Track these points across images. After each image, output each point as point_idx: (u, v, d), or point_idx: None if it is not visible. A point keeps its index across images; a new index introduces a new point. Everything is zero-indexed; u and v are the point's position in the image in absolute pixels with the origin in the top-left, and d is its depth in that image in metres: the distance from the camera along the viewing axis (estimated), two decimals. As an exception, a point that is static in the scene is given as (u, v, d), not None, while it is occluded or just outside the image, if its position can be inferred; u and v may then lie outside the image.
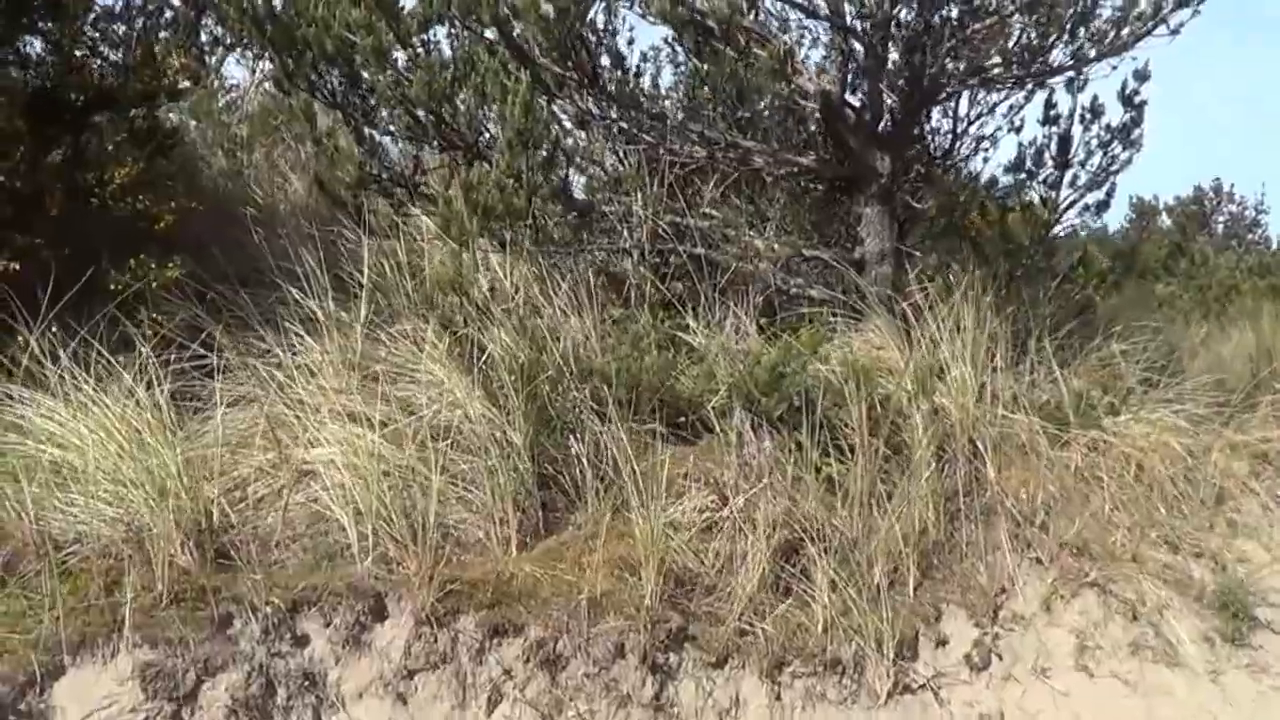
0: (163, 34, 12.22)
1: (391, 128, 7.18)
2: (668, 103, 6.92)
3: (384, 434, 5.85)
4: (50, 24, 7.01)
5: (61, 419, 5.52)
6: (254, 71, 11.56)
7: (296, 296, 6.80)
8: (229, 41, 11.69)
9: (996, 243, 8.64)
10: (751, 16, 6.91)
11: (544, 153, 6.35)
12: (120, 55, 7.85)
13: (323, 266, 6.97)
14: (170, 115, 8.39)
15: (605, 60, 7.53)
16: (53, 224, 6.43)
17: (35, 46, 7.04)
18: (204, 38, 11.93)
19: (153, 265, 6.48)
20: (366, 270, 6.94)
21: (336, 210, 7.86)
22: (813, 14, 7.36)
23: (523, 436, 5.86)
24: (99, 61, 7.30)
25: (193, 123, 9.91)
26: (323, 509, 5.63)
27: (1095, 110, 8.61)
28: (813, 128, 8.13)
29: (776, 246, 7.35)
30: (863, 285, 7.55)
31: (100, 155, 6.85)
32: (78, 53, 7.06)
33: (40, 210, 6.38)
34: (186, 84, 7.28)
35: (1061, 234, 9.26)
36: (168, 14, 12.13)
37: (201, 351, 6.26)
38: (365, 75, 6.97)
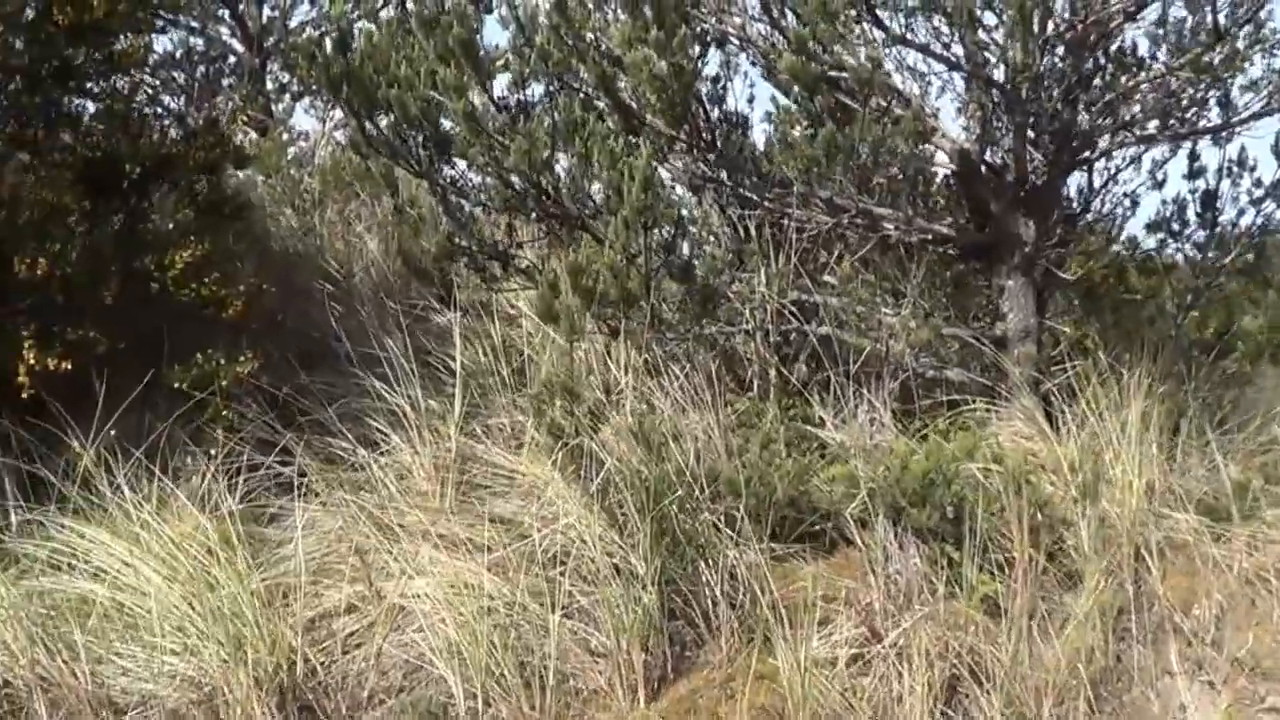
0: (225, 81, 11.69)
1: (484, 197, 6.40)
2: (786, 167, 6.05)
3: (489, 561, 5.09)
4: (103, 83, 6.32)
5: (117, 552, 4.79)
6: (324, 121, 10.89)
7: (380, 389, 6.07)
8: (297, 89, 11.02)
9: (1140, 311, 7.79)
10: (892, 73, 6.12)
11: (665, 231, 5.58)
12: (180, 107, 7.18)
13: (408, 350, 6.25)
14: (235, 175, 7.65)
15: (716, 119, 6.73)
16: (108, 314, 5.71)
17: (88, 109, 6.35)
18: (270, 85, 11.29)
19: (220, 360, 5.75)
20: (459, 355, 6.20)
21: (420, 283, 7.15)
22: (953, 66, 6.53)
23: (646, 563, 5.06)
24: (158, 123, 6.59)
25: (259, 178, 9.22)
26: (420, 657, 4.84)
27: (1243, 163, 7.73)
28: (947, 192, 7.31)
29: (914, 325, 6.51)
30: (1005, 365, 6.71)
31: (160, 234, 6.12)
32: (135, 113, 6.34)
33: (94, 299, 5.67)
34: (253, 148, 6.52)
35: (1211, 300, 8.36)
36: (230, 59, 11.53)
37: (273, 459, 5.56)
38: (454, 140, 6.19)
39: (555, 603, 4.90)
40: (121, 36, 6.17)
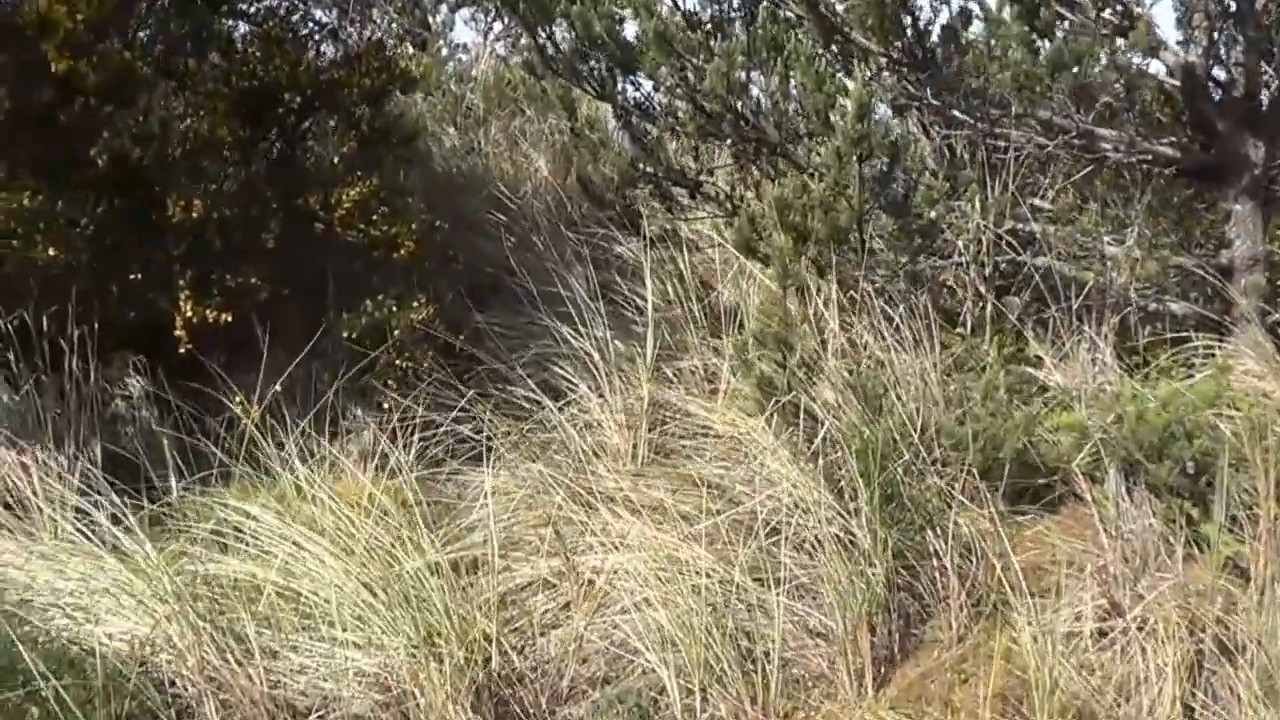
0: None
1: (672, 121, 5.80)
2: (1002, 85, 5.33)
3: (695, 532, 4.55)
4: (256, 3, 5.82)
5: (287, 533, 4.32)
6: (485, 33, 10.32)
7: (563, 332, 5.56)
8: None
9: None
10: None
11: (881, 163, 4.93)
12: (334, 22, 6.67)
13: (592, 286, 5.72)
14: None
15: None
16: (268, 258, 5.24)
17: (239, 31, 5.85)
18: (427, -2, 10.74)
19: (392, 306, 5.25)
20: (650, 294, 5.65)
21: (598, 210, 6.59)
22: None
23: (873, 534, 4.47)
24: (315, 46, 6.07)
25: (419, 96, 8.70)
26: (624, 644, 4.32)
27: None
28: (1169, 110, 6.52)
29: (1139, 255, 5.79)
30: (1231, 296, 5.95)
31: (322, 169, 5.61)
32: (291, 35, 5.83)
33: (254, 241, 5.20)
34: (418, 69, 5.97)
35: None
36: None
37: (451, 415, 5.10)
38: (640, 60, 5.59)
39: (776, 579, 4.34)
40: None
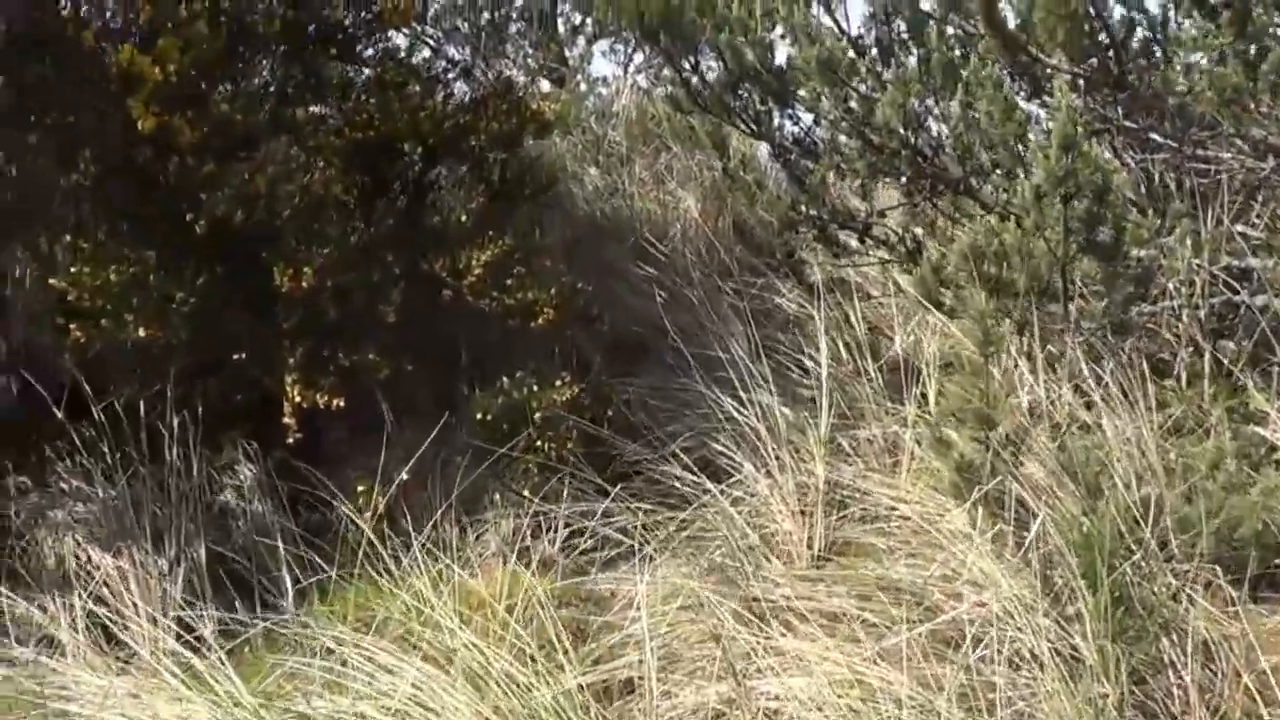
0: (513, 27, 10.65)
1: (838, 158, 5.12)
2: (1210, 103, 4.56)
3: (886, 647, 3.85)
4: (373, 46, 5.25)
5: (410, 673, 3.71)
6: (626, 66, 9.73)
7: (724, 401, 4.91)
8: (593, 30, 9.89)
9: None
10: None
11: (1088, 201, 4.20)
12: (467, 59, 6.10)
13: (754, 345, 5.07)
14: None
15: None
16: (390, 331, 4.66)
17: (356, 78, 5.30)
18: (562, 28, 10.17)
19: (533, 385, 4.64)
20: (824, 353, 4.97)
21: (755, 257, 5.95)
22: None
23: (1100, 650, 3.73)
24: (441, 89, 5.48)
25: (555, 136, 8.13)
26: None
27: None
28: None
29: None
30: None
31: (449, 227, 5.01)
32: (413, 79, 5.25)
33: (373, 313, 4.62)
34: (554, 110, 5.37)
35: None
36: (516, 2, 10.46)
37: (598, 494, 4.55)
38: (799, 92, 4.93)
39: (989, 706, 3.63)
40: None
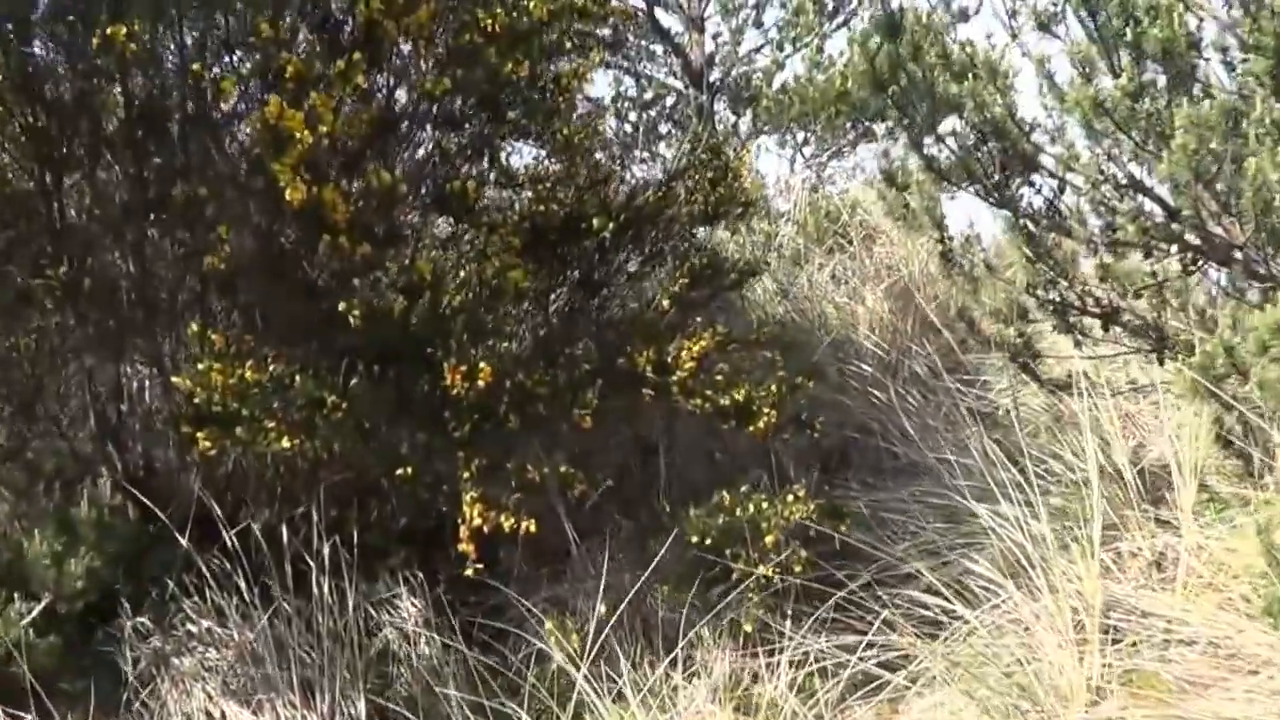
0: (663, 128, 10.11)
1: (1095, 228, 4.32)
2: None
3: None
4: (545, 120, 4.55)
5: None
6: (793, 161, 9.07)
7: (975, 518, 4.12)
8: (754, 126, 9.25)
9: None
10: None
11: None
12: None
13: (988, 449, 4.30)
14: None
15: None
16: (580, 439, 3.93)
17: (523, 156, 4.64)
18: (719, 127, 9.55)
19: (762, 503, 3.86)
20: (1091, 456, 4.15)
21: (977, 347, 5.18)
22: None
23: None
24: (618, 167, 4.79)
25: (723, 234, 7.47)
26: None
27: None
28: None
29: None
30: None
31: (644, 317, 4.28)
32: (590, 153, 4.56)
33: (562, 418, 3.89)
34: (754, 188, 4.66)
35: None
36: (669, 101, 9.89)
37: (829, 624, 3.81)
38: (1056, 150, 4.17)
39: None
40: (567, 55, 4.45)
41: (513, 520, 3.56)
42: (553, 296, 4.25)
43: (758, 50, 9.95)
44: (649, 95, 10.45)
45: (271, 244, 3.73)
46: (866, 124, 8.87)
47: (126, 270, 4.00)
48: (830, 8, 9.74)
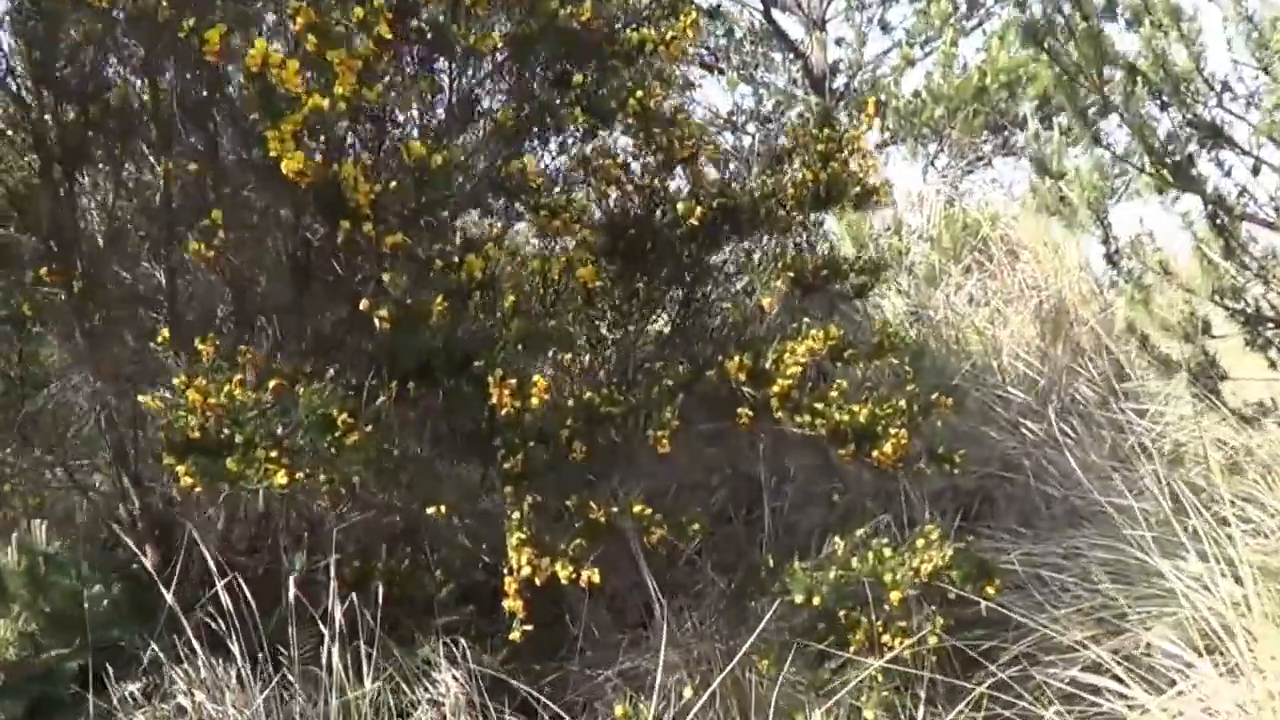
0: (780, 140, 9.38)
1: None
2: None
3: None
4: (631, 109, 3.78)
5: None
6: (925, 171, 8.29)
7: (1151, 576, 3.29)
8: (886, 136, 8.49)
9: None
10: None
11: None
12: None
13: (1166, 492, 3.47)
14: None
15: None
16: (658, 467, 3.17)
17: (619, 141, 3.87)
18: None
19: (884, 547, 3.05)
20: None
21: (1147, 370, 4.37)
22: None
23: None
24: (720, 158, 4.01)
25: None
26: None
27: None
28: None
29: None
30: None
31: (739, 324, 3.48)
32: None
33: (636, 443, 3.11)
34: (877, 178, 3.84)
35: None
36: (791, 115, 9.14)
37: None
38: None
39: None
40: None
41: (571, 569, 2.80)
42: (630, 299, 3.47)
43: (885, 54, 9.20)
44: (768, 106, 9.71)
45: (269, 228, 3.01)
46: (1006, 127, 8.08)
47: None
48: (964, 8, 8.96)
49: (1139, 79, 3.32)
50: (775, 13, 8.97)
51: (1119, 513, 3.64)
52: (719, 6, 4.32)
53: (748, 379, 3.09)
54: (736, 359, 3.08)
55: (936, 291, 6.50)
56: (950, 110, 7.97)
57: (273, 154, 2.75)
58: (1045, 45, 3.34)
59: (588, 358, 3.35)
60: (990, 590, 3.09)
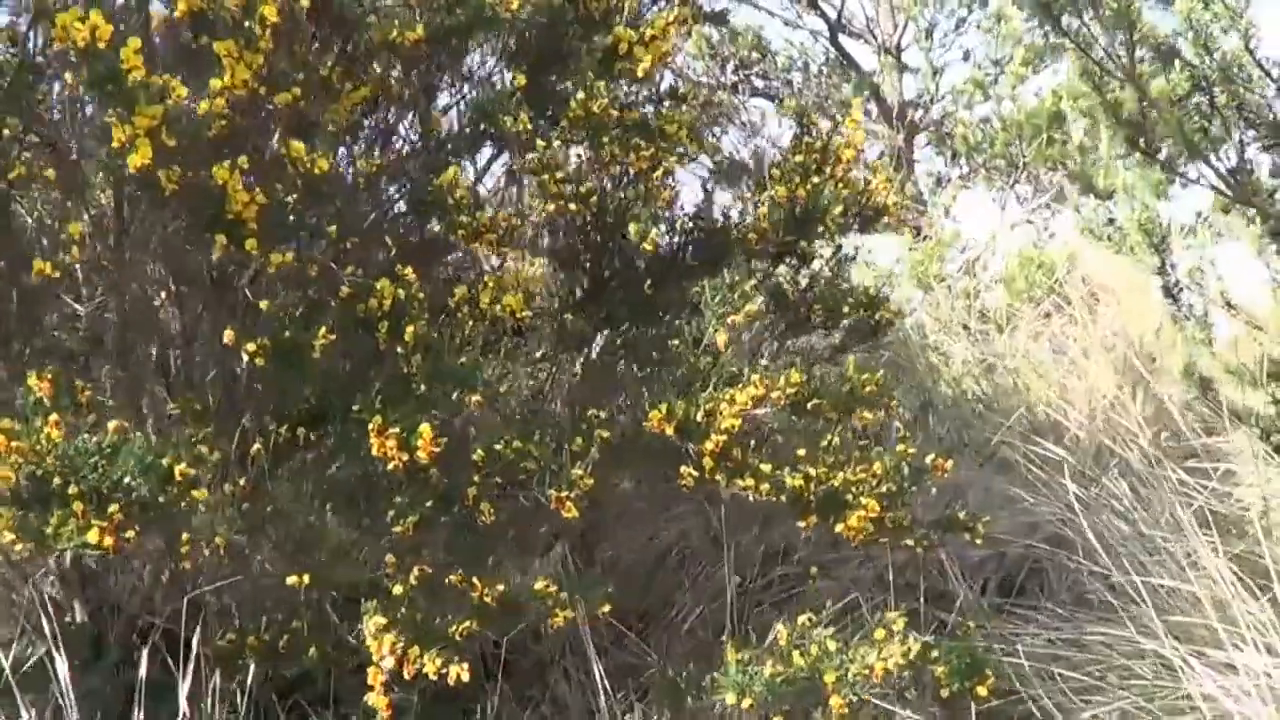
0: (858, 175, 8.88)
1: None
2: None
3: None
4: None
5: None
6: (1004, 206, 7.71)
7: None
8: (964, 170, 7.94)
9: None
10: None
11: None
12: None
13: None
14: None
15: None
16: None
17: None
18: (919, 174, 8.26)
19: (827, 643, 2.49)
20: None
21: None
22: None
23: None
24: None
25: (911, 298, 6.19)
26: None
27: None
28: None
29: None
30: None
31: (675, 359, 2.91)
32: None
33: (540, 510, 2.60)
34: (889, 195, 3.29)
35: None
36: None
37: None
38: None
39: None
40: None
41: (437, 662, 2.27)
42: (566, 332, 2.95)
43: (963, 87, 8.63)
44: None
45: (123, 244, 2.54)
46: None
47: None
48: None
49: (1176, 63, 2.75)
50: (845, 40, 8.51)
51: (1167, 593, 3.07)
52: (725, 12, 3.86)
53: (675, 432, 2.55)
54: (662, 408, 2.54)
55: (1006, 338, 5.95)
56: (1023, 139, 7.39)
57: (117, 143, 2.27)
58: (1061, 22, 2.79)
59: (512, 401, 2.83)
60: (983, 691, 2.51)
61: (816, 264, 3.49)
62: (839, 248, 3.66)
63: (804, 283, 3.29)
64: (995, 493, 4.18)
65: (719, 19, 3.88)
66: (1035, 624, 3.44)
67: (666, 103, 3.40)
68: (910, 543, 2.79)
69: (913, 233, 7.17)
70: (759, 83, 9.21)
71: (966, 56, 8.63)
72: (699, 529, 3.37)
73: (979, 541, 3.11)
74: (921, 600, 3.46)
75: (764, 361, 2.88)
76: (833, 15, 8.59)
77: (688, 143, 3.25)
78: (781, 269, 3.29)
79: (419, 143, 3.03)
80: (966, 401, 5.46)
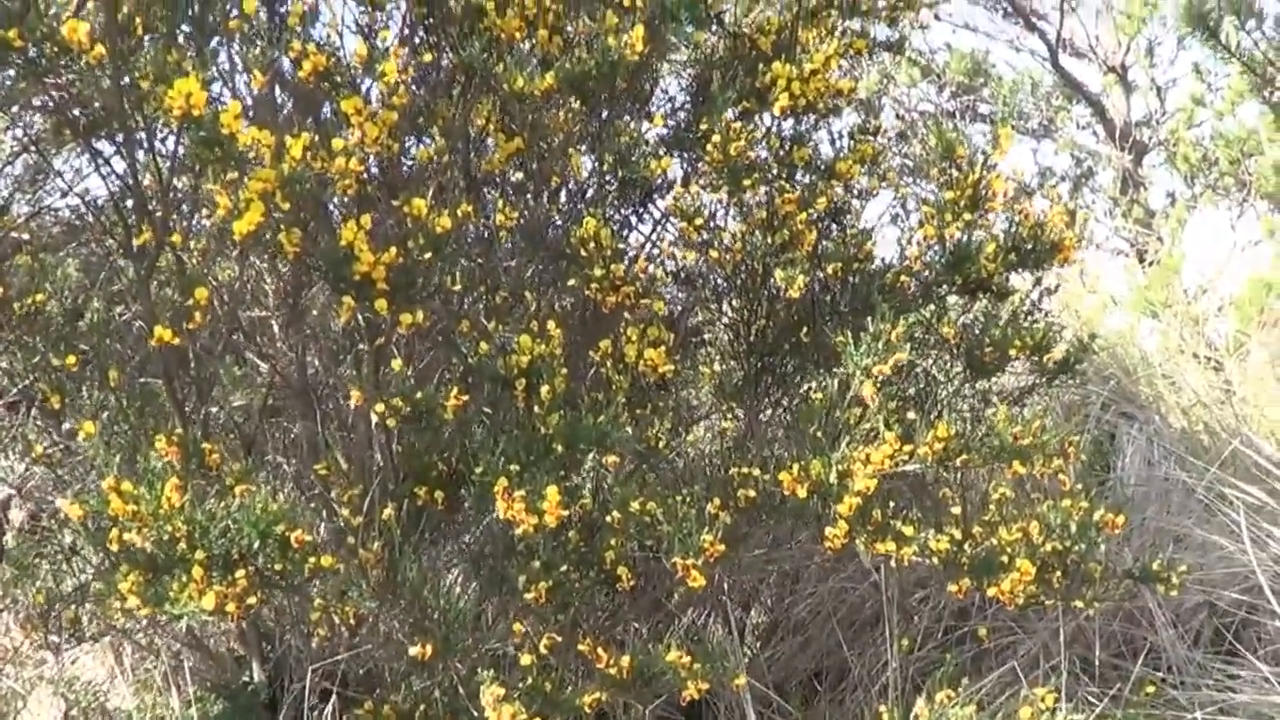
0: (1091, 199, 8.51)
1: None
2: None
3: None
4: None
5: None
6: (1236, 226, 7.32)
7: None
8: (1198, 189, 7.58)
9: None
10: None
11: None
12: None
13: None
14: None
15: None
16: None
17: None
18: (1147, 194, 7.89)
19: None
20: None
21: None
22: None
23: None
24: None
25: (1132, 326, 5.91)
26: None
27: None
28: None
29: None
30: None
31: (816, 414, 2.72)
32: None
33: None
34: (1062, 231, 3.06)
35: None
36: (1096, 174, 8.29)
37: None
38: None
39: None
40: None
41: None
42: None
43: (1185, 104, 8.19)
44: (1080, 169, 8.83)
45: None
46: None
47: None
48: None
49: None
50: (1070, 60, 8.15)
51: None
52: (902, 41, 3.65)
53: (809, 494, 2.39)
54: (794, 468, 2.39)
55: (1237, 364, 5.60)
56: (1247, 154, 6.98)
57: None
58: (1214, 30, 2.57)
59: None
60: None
61: (997, 301, 3.29)
62: (1039, 280, 3.45)
63: (976, 322, 3.09)
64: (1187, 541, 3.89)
65: (896, 48, 3.72)
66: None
67: (848, 139, 3.24)
68: (1080, 604, 2.58)
69: (1138, 257, 6.83)
70: (983, 108, 8.97)
71: (1197, 70, 8.21)
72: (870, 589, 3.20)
73: (1174, 593, 2.88)
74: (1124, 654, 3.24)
75: (910, 414, 2.67)
76: (1051, 35, 8.28)
77: (862, 178, 3.12)
78: (950, 306, 3.10)
79: (559, 193, 2.96)
80: (1196, 434, 5.14)
